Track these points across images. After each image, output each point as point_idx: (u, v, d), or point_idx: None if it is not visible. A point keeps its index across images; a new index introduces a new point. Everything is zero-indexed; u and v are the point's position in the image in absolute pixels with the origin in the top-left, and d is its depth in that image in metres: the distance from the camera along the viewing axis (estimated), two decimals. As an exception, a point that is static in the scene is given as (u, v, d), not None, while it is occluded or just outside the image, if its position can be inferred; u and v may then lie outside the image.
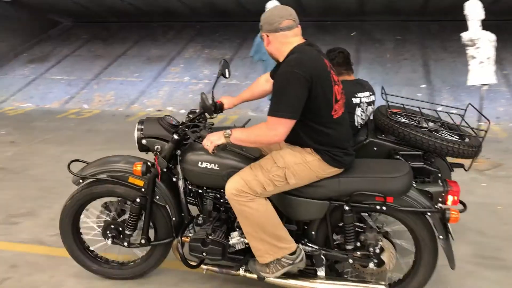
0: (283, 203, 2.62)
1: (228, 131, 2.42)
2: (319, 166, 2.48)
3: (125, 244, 2.89)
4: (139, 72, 10.06)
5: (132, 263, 3.07)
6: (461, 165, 3.11)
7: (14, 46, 11.36)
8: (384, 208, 2.52)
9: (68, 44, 11.76)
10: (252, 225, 2.49)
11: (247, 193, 2.43)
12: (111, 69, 10.34)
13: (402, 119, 3.01)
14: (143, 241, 2.86)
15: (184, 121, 2.82)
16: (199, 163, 2.66)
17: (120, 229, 2.89)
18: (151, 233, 2.92)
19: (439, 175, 2.87)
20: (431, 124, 3.05)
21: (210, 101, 2.79)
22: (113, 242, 2.90)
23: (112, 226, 2.89)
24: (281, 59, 2.47)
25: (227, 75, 2.86)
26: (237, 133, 2.42)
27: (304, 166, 2.47)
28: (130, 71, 10.12)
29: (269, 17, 2.45)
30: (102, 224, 2.93)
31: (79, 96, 9.29)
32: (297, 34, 2.47)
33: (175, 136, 2.68)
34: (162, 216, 2.88)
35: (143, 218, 2.87)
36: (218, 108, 2.90)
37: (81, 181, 2.88)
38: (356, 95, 3.19)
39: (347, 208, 2.53)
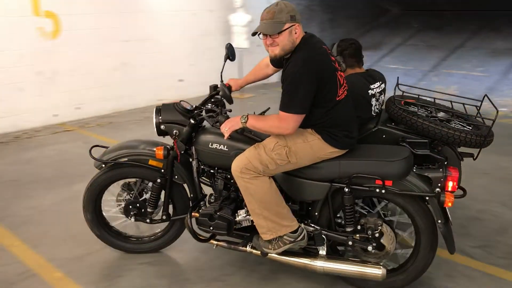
0: (287, 183, 2.76)
1: (244, 116, 2.62)
2: (320, 146, 2.60)
3: (148, 220, 3.12)
4: (483, 66, 8.99)
5: (151, 238, 3.31)
6: (471, 155, 3.12)
7: (349, 32, 10.88)
8: (383, 191, 2.61)
9: (398, 32, 11.24)
10: (256, 202, 2.64)
11: (251, 171, 2.59)
12: (450, 61, 9.52)
13: (412, 109, 3.06)
14: (164, 217, 3.09)
15: (197, 105, 3.01)
16: (210, 144, 2.85)
17: (141, 207, 3.12)
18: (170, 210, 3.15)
19: (445, 163, 2.91)
20: (442, 113, 3.09)
21: (219, 84, 2.97)
22: (136, 220, 3.14)
23: (133, 205, 3.12)
24: (289, 51, 2.58)
25: (232, 58, 3.01)
26: (253, 120, 2.62)
27: (305, 145, 2.60)
28: (472, 64, 9.14)
29: (294, 8, 2.55)
30: (123, 204, 3.16)
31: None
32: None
33: (192, 121, 2.88)
34: (180, 194, 3.11)
35: (162, 196, 3.09)
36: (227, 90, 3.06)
37: (103, 165, 3.10)
38: (370, 87, 3.27)
39: (346, 190, 2.64)
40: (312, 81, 2.46)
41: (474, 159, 3.06)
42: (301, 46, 2.56)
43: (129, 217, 3.15)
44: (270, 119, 2.59)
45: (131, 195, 3.16)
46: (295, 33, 2.55)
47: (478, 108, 3.23)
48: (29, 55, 6.54)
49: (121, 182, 3.20)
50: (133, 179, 3.19)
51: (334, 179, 2.67)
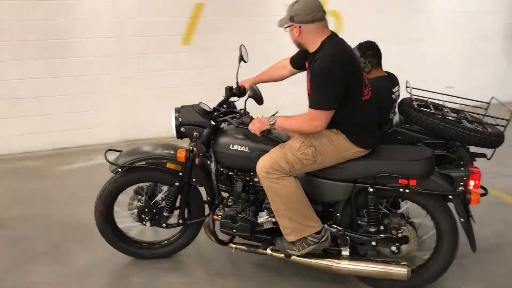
0: (310, 184, 2.75)
1: (272, 119, 2.62)
2: (345, 146, 2.61)
3: (163, 225, 3.06)
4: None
5: (164, 243, 3.25)
6: (483, 155, 3.19)
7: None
8: (407, 190, 2.63)
9: None
10: (282, 203, 2.63)
11: (277, 170, 2.58)
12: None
13: (427, 110, 3.11)
14: (181, 221, 3.03)
15: (215, 107, 2.98)
16: (231, 145, 2.82)
17: (156, 211, 3.05)
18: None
19: (461, 162, 2.97)
20: (454, 115, 3.15)
21: (235, 86, 2.99)
22: (151, 225, 3.07)
23: (147, 210, 3.04)
24: (311, 49, 2.63)
25: (246, 60, 3.01)
26: (281, 121, 2.62)
27: (330, 145, 2.61)
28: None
29: (303, 8, 2.55)
30: (135, 209, 3.08)
31: None
32: (327, 25, 2.63)
33: (213, 122, 2.84)
34: (196, 197, 3.06)
35: (178, 200, 3.04)
36: (242, 91, 3.06)
37: (119, 169, 3.03)
38: (393, 91, 3.31)
39: (371, 190, 2.65)
40: (342, 77, 2.48)
41: (488, 159, 3.13)
42: (327, 43, 2.57)
43: (144, 223, 3.07)
44: (300, 119, 2.58)
45: (145, 200, 3.08)
46: (296, 32, 2.59)
47: (485, 110, 3.32)
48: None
49: (133, 187, 3.13)
50: (146, 184, 3.12)
51: (358, 179, 2.68)
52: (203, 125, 2.90)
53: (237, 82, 3.01)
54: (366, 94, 2.65)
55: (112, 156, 3.08)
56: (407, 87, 3.39)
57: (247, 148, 2.80)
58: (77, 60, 5.66)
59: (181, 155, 2.88)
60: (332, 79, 2.47)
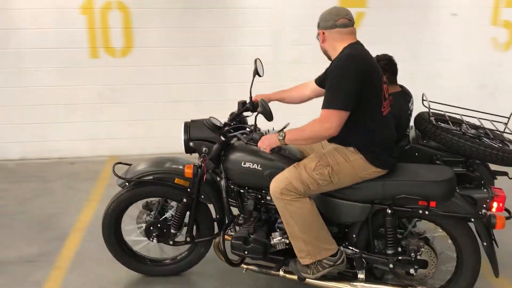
0: (325, 205, 2.64)
1: (281, 133, 2.50)
2: (362, 166, 2.50)
3: (171, 242, 2.96)
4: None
5: (172, 261, 3.14)
6: (505, 173, 3.07)
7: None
8: (426, 212, 2.52)
9: None
10: (296, 225, 2.52)
11: (292, 192, 2.47)
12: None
13: (444, 125, 3.00)
14: (188, 239, 2.92)
15: (226, 122, 2.87)
16: (242, 163, 2.71)
17: (164, 228, 2.95)
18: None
19: (482, 181, 2.85)
20: (473, 131, 3.03)
21: (248, 100, 2.88)
22: (158, 241, 2.97)
23: (155, 226, 2.94)
24: (333, 57, 2.55)
25: (261, 74, 2.92)
26: (291, 134, 2.49)
27: (347, 165, 2.50)
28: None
29: (326, 15, 2.57)
30: (143, 225, 2.99)
31: None
32: (351, 33, 2.56)
33: (223, 138, 2.73)
34: (205, 215, 2.95)
35: (187, 216, 2.94)
36: (255, 106, 2.94)
37: (127, 184, 2.93)
38: (409, 106, 3.21)
39: (389, 211, 2.54)
40: (356, 77, 2.37)
41: (510, 178, 3.01)
42: (347, 48, 2.51)
43: (151, 239, 2.97)
44: (310, 124, 2.47)
45: (152, 216, 2.98)
46: (321, 40, 2.60)
47: (505, 124, 3.20)
48: (475, 67, 6.22)
49: (141, 202, 3.04)
50: (154, 199, 3.02)
51: (375, 200, 2.57)
52: (212, 140, 2.79)
53: (251, 97, 2.90)
54: (386, 107, 2.55)
55: (121, 170, 2.98)
56: (423, 100, 3.27)
57: (259, 165, 2.69)
58: (236, 68, 5.78)
59: (189, 171, 2.78)
60: (345, 77, 2.37)
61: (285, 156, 2.69)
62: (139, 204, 3.04)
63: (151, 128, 5.82)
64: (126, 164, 3.12)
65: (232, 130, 2.78)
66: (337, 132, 2.41)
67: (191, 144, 2.82)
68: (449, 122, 3.08)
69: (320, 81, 2.88)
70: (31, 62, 5.57)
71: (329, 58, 2.64)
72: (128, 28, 5.60)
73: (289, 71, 5.87)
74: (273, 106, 2.79)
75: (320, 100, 2.51)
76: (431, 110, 3.16)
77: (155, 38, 5.68)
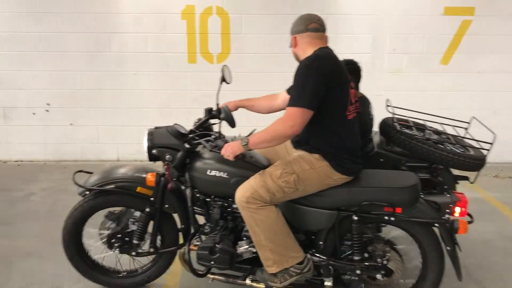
0: (292, 212, 2.62)
1: (244, 139, 2.45)
2: (327, 173, 2.50)
3: (133, 253, 2.87)
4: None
5: (135, 272, 3.05)
6: (465, 178, 3.13)
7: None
8: (392, 218, 2.53)
9: None
10: (262, 234, 2.48)
11: (257, 200, 2.44)
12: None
13: (408, 131, 3.04)
14: (151, 250, 2.84)
15: (191, 129, 2.82)
16: (208, 171, 2.66)
17: (126, 238, 2.86)
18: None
19: (445, 186, 2.90)
20: (436, 136, 3.09)
21: (215, 107, 2.83)
22: (120, 252, 2.88)
23: (118, 236, 2.85)
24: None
25: (228, 81, 2.88)
26: (254, 139, 2.46)
27: (312, 172, 2.49)
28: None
29: (298, 20, 2.61)
30: (106, 235, 2.89)
31: None
32: (322, 37, 2.57)
33: (187, 145, 2.68)
34: (169, 224, 2.88)
35: (150, 226, 2.85)
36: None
37: (87, 192, 2.84)
38: (370, 111, 3.23)
39: (356, 218, 2.54)
40: (322, 78, 2.37)
41: (472, 183, 3.07)
42: (316, 50, 2.51)
43: (113, 250, 2.87)
44: (272, 125, 2.44)
45: (115, 226, 2.89)
46: (293, 45, 2.61)
47: (466, 129, 3.28)
48: None
49: (104, 211, 2.93)
50: (118, 208, 2.93)
51: (341, 206, 2.57)
52: (176, 147, 2.72)
53: (217, 104, 2.86)
54: (352, 111, 2.55)
55: (83, 179, 2.88)
56: (387, 105, 3.32)
57: (225, 173, 2.64)
58: None
59: (151, 179, 2.71)
60: (311, 76, 2.37)
61: (251, 163, 2.66)
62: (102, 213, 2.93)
63: (245, 133, 5.65)
64: (87, 172, 3.01)
65: (197, 137, 2.72)
66: (299, 131, 2.39)
67: (154, 151, 2.74)
68: (413, 127, 3.12)
69: (290, 90, 2.86)
70: (130, 66, 5.77)
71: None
72: (226, 33, 5.67)
73: (387, 81, 5.78)
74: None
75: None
76: (396, 116, 3.20)
77: (251, 44, 5.68)
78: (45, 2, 5.59)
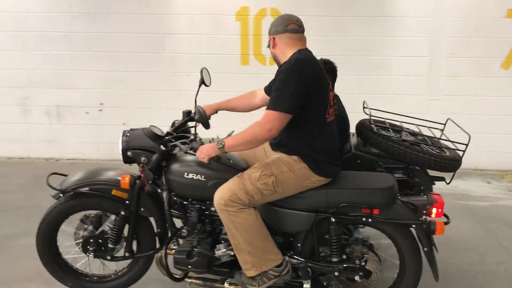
0: (270, 214, 2.60)
1: (221, 141, 2.42)
2: (305, 175, 2.49)
3: (108, 257, 2.81)
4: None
5: (112, 276, 2.98)
6: (442, 178, 3.16)
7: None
8: (370, 220, 2.54)
9: None
10: (241, 237, 2.46)
11: (236, 203, 2.42)
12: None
13: (385, 133, 3.05)
14: (127, 254, 2.78)
15: (168, 131, 2.78)
16: (185, 174, 2.62)
17: (101, 242, 2.80)
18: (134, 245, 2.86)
19: (421, 187, 2.92)
20: (413, 137, 3.11)
21: (193, 110, 2.79)
22: (95, 256, 2.81)
23: (93, 240, 2.79)
24: (283, 62, 2.53)
25: (207, 83, 2.85)
26: (230, 141, 2.43)
27: (291, 174, 2.48)
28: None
29: (277, 21, 2.59)
30: (81, 239, 2.83)
31: None
32: (301, 39, 2.57)
33: (162, 147, 2.64)
34: (146, 228, 2.82)
35: (125, 230, 2.80)
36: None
37: (61, 195, 2.77)
38: (345, 111, 3.24)
39: (333, 220, 2.54)
40: (303, 82, 2.36)
41: (447, 183, 3.10)
42: (296, 53, 2.50)
43: (88, 254, 2.81)
44: (249, 128, 2.43)
45: (90, 229, 2.83)
46: (272, 45, 2.60)
47: (442, 130, 3.31)
48: None
49: (80, 214, 2.87)
50: (93, 212, 2.87)
51: (320, 208, 2.56)
52: (151, 149, 2.68)
53: (195, 106, 2.82)
54: (331, 114, 2.56)
55: (57, 181, 2.81)
56: (364, 107, 3.33)
57: (202, 176, 2.61)
58: (387, 78, 5.67)
59: (125, 181, 2.65)
60: (291, 81, 2.36)
61: (229, 166, 2.63)
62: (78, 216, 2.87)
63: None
64: (62, 174, 2.94)
65: (173, 140, 2.69)
66: (276, 134, 2.39)
67: (129, 153, 2.69)
68: (390, 129, 3.14)
69: (268, 89, 2.85)
70: (183, 67, 5.82)
71: (279, 64, 2.61)
72: (279, 35, 5.62)
73: (444, 85, 5.69)
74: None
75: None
76: (372, 117, 3.21)
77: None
78: (98, 2, 5.61)
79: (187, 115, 2.83)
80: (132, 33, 5.73)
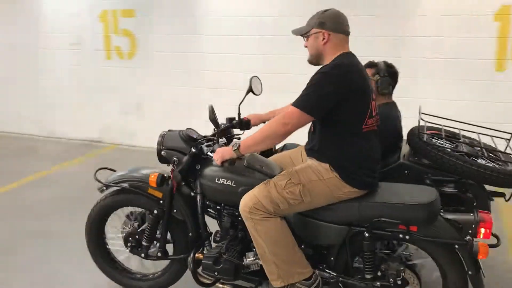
0: (300, 225, 2.51)
1: (236, 142, 2.38)
2: (337, 185, 2.36)
3: (142, 255, 2.87)
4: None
5: (151, 276, 3.05)
6: (502, 194, 2.86)
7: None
8: (407, 237, 2.35)
9: None
10: (266, 246, 2.39)
11: (260, 210, 2.35)
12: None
13: (437, 142, 2.82)
14: (159, 254, 2.83)
15: (206, 135, 2.79)
16: (216, 179, 2.61)
17: (138, 239, 2.88)
18: (170, 247, 2.90)
19: (474, 204, 2.66)
20: (469, 148, 2.84)
21: (237, 118, 2.80)
22: (131, 252, 2.91)
23: (133, 236, 2.88)
24: (323, 62, 2.43)
25: (257, 92, 2.82)
26: (246, 141, 2.38)
27: (320, 183, 2.36)
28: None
29: (339, 17, 2.44)
30: (124, 234, 2.93)
31: None
32: (348, 42, 2.46)
33: (193, 150, 2.65)
34: (180, 231, 2.84)
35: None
36: (244, 124, 2.87)
37: (104, 188, 2.90)
38: (400, 118, 3.08)
39: (367, 235, 2.38)
40: (336, 88, 2.25)
41: (507, 200, 2.79)
42: (340, 56, 2.39)
43: (127, 248, 2.92)
44: (266, 124, 2.37)
45: (134, 226, 2.92)
46: (322, 39, 2.40)
47: (508, 141, 2.99)
48: None
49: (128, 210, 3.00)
50: (139, 209, 2.96)
51: (353, 221, 2.42)
52: (183, 151, 2.71)
53: (239, 114, 2.80)
54: (370, 124, 2.39)
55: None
56: (419, 113, 3.10)
57: (233, 182, 2.58)
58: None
59: (152, 179, 2.67)
60: (324, 84, 2.26)
61: (261, 172, 2.57)
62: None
63: None
64: (111, 169, 3.08)
65: (204, 142, 2.69)
66: (291, 131, 2.29)
67: (162, 153, 2.75)
68: (443, 138, 2.89)
69: None
70: (418, 71, 5.34)
71: (316, 63, 2.48)
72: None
73: None
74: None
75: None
76: (428, 124, 2.99)
77: None
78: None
79: (229, 122, 2.84)
80: (372, 36, 5.33)
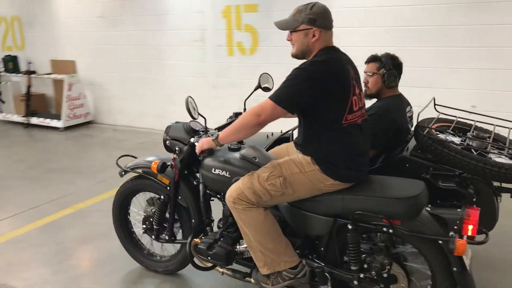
0: (290, 215, 2.59)
1: (215, 133, 2.49)
2: (318, 177, 2.40)
3: (153, 237, 3.11)
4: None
5: (165, 258, 3.29)
6: (510, 190, 2.71)
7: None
8: (391, 230, 2.34)
9: None
10: (251, 235, 2.49)
11: (243, 201, 2.45)
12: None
13: (441, 136, 2.74)
14: (166, 238, 3.04)
15: (208, 128, 2.93)
16: (213, 169, 2.75)
17: (151, 222, 3.11)
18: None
19: (474, 199, 2.56)
20: (477, 142, 2.72)
21: (242, 112, 2.91)
22: (145, 233, 3.17)
23: (148, 220, 3.13)
24: (310, 57, 2.45)
25: (269, 87, 2.94)
26: (224, 131, 2.49)
27: (301, 175, 2.42)
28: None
29: (326, 12, 2.43)
30: (143, 217, 3.20)
31: None
32: (332, 35, 2.48)
33: (191, 140, 2.81)
34: (186, 217, 3.03)
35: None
36: None
37: (123, 173, 3.17)
38: (405, 111, 3.03)
39: (350, 227, 2.40)
40: (311, 85, 2.27)
41: (512, 197, 2.66)
42: (320, 52, 2.40)
43: (142, 230, 3.18)
44: (243, 114, 2.45)
45: (152, 210, 3.15)
46: (313, 36, 2.40)
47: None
48: None
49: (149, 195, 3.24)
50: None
51: (337, 214, 2.45)
52: (184, 141, 2.90)
53: (244, 109, 2.93)
54: (351, 119, 2.39)
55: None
56: (435, 104, 3.02)
57: (227, 172, 2.70)
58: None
59: (153, 165, 2.87)
60: (298, 79, 2.29)
61: (253, 164, 2.67)
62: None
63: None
64: (132, 156, 3.35)
65: (201, 134, 2.87)
66: (264, 124, 2.36)
67: (167, 142, 2.98)
68: (449, 131, 2.80)
69: None
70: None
71: (302, 57, 2.49)
72: None
73: None
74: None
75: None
76: (441, 116, 2.91)
77: None
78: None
79: (235, 116, 3.03)
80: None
